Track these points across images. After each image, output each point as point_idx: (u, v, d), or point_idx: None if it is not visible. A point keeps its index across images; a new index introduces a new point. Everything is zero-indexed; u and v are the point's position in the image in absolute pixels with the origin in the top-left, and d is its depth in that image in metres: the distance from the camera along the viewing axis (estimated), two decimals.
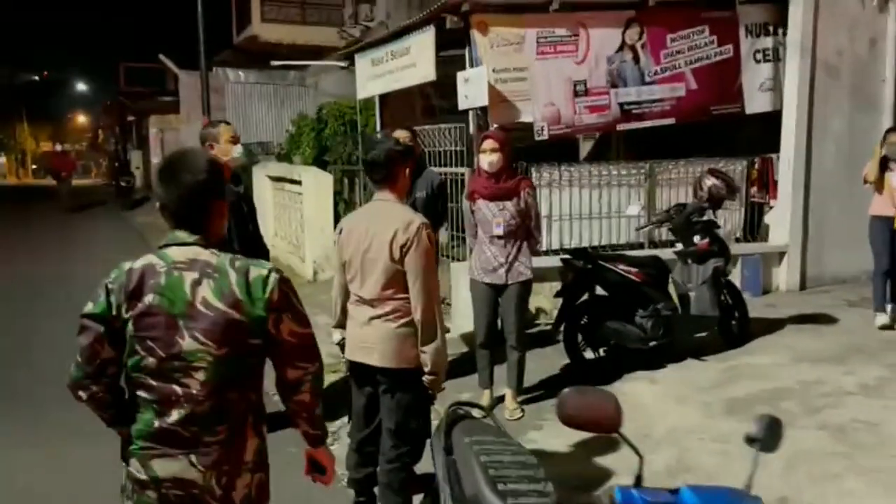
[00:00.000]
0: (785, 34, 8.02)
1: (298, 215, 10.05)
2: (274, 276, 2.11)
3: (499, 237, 4.73)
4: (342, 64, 10.94)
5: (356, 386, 3.48)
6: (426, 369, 3.23)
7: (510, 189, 4.73)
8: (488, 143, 4.72)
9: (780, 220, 8.00)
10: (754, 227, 8.19)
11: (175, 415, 2.04)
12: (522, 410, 4.89)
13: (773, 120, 8.06)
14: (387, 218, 3.24)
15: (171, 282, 2.04)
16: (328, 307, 8.40)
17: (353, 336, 3.38)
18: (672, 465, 4.07)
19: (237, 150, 4.47)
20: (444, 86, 9.52)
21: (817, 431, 4.28)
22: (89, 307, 2.06)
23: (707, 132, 8.21)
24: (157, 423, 2.05)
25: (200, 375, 2.03)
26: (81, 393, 2.09)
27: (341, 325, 3.54)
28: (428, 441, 3.22)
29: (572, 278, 5.50)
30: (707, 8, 7.68)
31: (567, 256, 5.51)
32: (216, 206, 2.16)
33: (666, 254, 7.14)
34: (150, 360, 2.03)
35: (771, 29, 8.00)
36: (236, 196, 4.54)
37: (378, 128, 9.87)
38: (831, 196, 8.10)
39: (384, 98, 9.68)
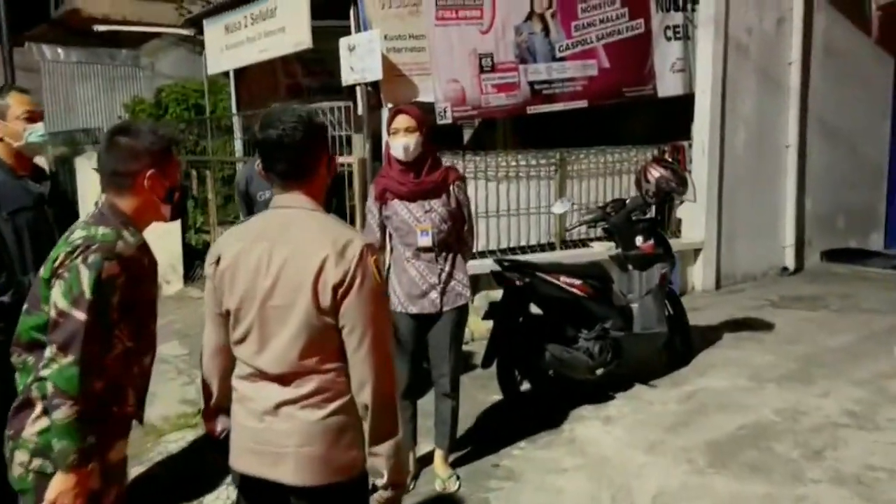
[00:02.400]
0: (693, 10, 7.33)
1: None
2: (78, 241, 1.94)
3: (426, 249, 3.49)
4: (186, 32, 9.20)
5: None
6: (381, 482, 1.96)
7: (436, 183, 3.48)
8: (402, 121, 3.40)
9: (695, 214, 7.30)
10: (664, 222, 7.46)
11: None
12: (458, 477, 3.69)
13: (664, 105, 7.33)
14: (305, 237, 1.92)
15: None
16: (178, 331, 6.90)
17: (247, 433, 2.03)
18: None
19: (35, 132, 2.95)
20: (314, 62, 8.18)
21: (837, 489, 3.40)
22: None
23: (595, 119, 7.34)
24: None
25: None
26: None
27: (220, 409, 2.18)
28: None
29: (505, 296, 4.36)
30: None
31: (498, 268, 4.36)
32: (138, 179, 2.06)
33: (574, 256, 6.29)
34: None
35: (680, 3, 7.27)
36: (38, 198, 3.03)
37: (234, 110, 8.30)
38: (742, 186, 7.55)
39: (240, 76, 8.13)
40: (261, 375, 2.00)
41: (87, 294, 1.90)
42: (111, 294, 1.95)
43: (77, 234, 1.99)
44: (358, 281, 1.87)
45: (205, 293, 2.11)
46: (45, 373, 1.89)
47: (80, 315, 1.90)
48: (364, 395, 1.92)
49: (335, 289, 1.87)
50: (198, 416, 4.78)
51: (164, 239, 7.88)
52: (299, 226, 1.95)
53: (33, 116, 2.98)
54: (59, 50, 16.61)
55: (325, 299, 1.87)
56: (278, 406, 1.97)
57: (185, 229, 8.31)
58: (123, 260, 1.99)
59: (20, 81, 15.09)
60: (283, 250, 1.92)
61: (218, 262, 2.03)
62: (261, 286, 1.94)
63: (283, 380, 1.96)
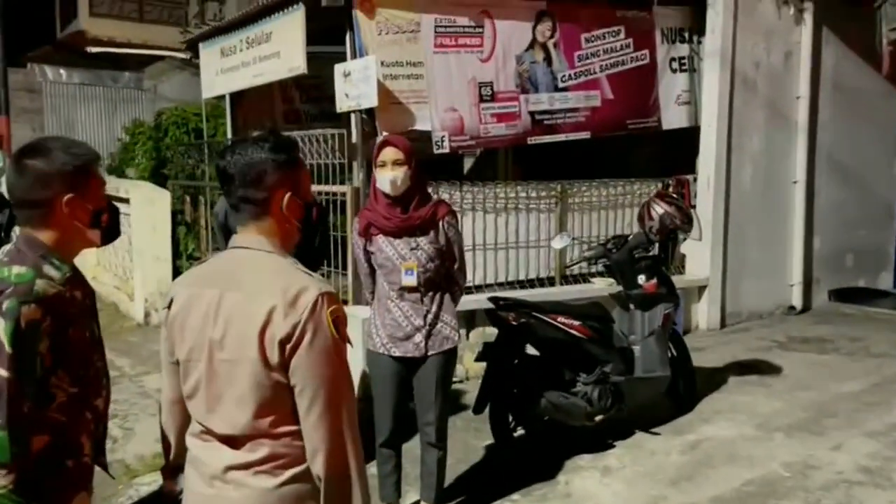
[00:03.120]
0: (699, 42, 7.18)
1: (126, 241, 8.08)
2: None
3: (411, 289, 3.28)
4: (183, 55, 9.09)
5: None
6: None
7: (424, 219, 3.28)
8: (389, 153, 3.21)
9: (700, 250, 7.08)
10: (667, 258, 7.23)
11: None
12: None
13: (668, 137, 7.16)
14: (255, 284, 1.70)
15: None
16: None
17: (197, 500, 1.80)
18: None
19: None
20: (312, 88, 8.03)
21: None
22: None
23: (597, 150, 7.18)
24: None
25: None
26: None
27: (179, 466, 1.96)
28: None
29: (499, 336, 4.13)
30: (622, 6, 6.67)
31: (492, 306, 4.14)
32: (54, 206, 1.82)
33: (574, 292, 6.07)
34: None
35: (686, 35, 7.13)
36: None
37: (229, 135, 8.13)
38: (748, 222, 7.34)
39: (236, 100, 7.97)
40: (209, 435, 1.78)
41: (7, 347, 1.67)
42: (36, 342, 1.72)
43: None
44: (308, 336, 1.64)
45: (162, 338, 1.90)
46: None
47: (2, 371, 1.67)
48: (317, 465, 1.69)
49: (282, 344, 1.64)
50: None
51: (154, 265, 7.71)
52: (251, 270, 1.73)
53: None
54: (62, 71, 16.67)
55: (273, 355, 1.65)
56: (228, 470, 1.74)
57: (176, 255, 8.12)
58: (46, 301, 1.75)
59: (22, 102, 15.11)
60: (232, 297, 1.70)
61: (171, 304, 1.82)
62: (209, 337, 1.72)
63: (234, 442, 1.74)
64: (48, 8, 18.73)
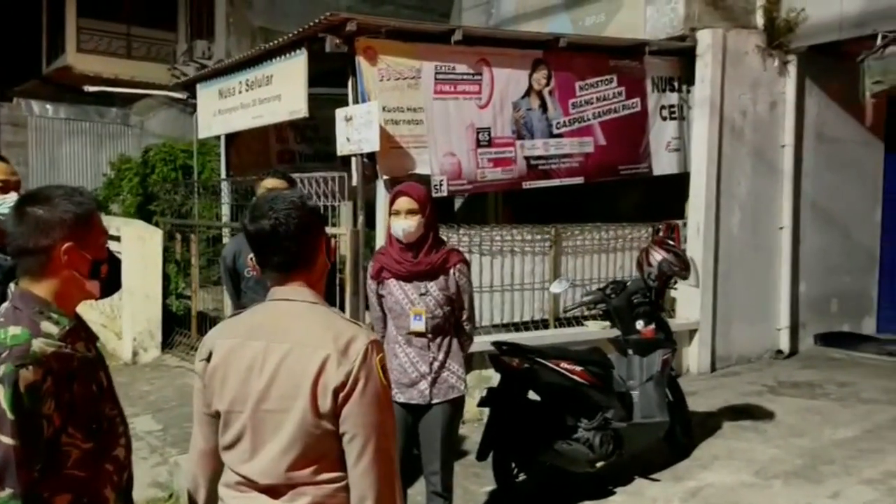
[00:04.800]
0: (689, 91, 7.37)
1: None
2: None
3: (419, 334, 3.29)
4: (179, 95, 9.14)
5: None
6: None
7: (436, 265, 3.31)
8: (403, 202, 3.25)
9: (690, 294, 7.17)
10: (658, 302, 7.31)
11: None
12: None
13: (656, 182, 7.32)
14: (304, 334, 1.73)
15: None
16: (152, 403, 6.57)
17: None
18: None
19: (6, 203, 2.76)
20: (307, 129, 8.11)
21: None
22: None
23: (588, 194, 7.31)
24: None
25: None
26: None
27: None
28: None
29: (503, 382, 4.15)
30: (615, 56, 6.84)
31: (496, 352, 4.16)
32: (52, 255, 1.75)
33: (568, 335, 6.12)
34: None
35: (675, 84, 7.31)
36: (8, 273, 2.82)
37: (223, 174, 8.15)
38: (736, 267, 7.45)
39: (231, 139, 8.02)
40: (249, 485, 1.78)
41: (8, 414, 1.60)
42: (39, 404, 1.65)
43: None
44: (361, 383, 1.69)
45: (194, 391, 1.91)
46: None
47: (7, 440, 1.61)
48: None
49: (336, 392, 1.68)
50: (169, 502, 4.47)
51: (144, 304, 7.65)
52: (298, 321, 1.76)
53: (6, 186, 2.79)
54: (48, 106, 16.64)
55: (325, 404, 1.68)
56: None
57: (165, 294, 8.06)
58: (44, 361, 1.67)
59: (7, 136, 15.04)
60: (279, 348, 1.73)
61: (209, 358, 1.83)
62: (254, 388, 1.74)
63: (274, 492, 1.76)
64: (35, 43, 18.75)
